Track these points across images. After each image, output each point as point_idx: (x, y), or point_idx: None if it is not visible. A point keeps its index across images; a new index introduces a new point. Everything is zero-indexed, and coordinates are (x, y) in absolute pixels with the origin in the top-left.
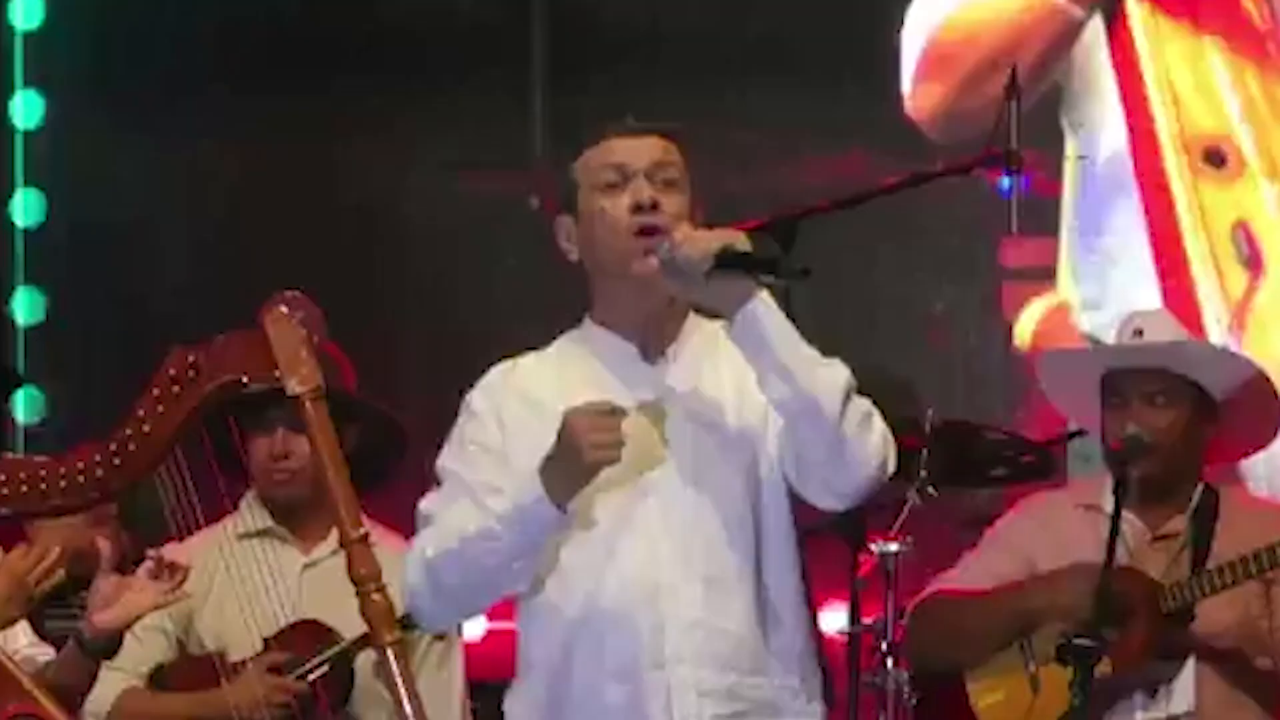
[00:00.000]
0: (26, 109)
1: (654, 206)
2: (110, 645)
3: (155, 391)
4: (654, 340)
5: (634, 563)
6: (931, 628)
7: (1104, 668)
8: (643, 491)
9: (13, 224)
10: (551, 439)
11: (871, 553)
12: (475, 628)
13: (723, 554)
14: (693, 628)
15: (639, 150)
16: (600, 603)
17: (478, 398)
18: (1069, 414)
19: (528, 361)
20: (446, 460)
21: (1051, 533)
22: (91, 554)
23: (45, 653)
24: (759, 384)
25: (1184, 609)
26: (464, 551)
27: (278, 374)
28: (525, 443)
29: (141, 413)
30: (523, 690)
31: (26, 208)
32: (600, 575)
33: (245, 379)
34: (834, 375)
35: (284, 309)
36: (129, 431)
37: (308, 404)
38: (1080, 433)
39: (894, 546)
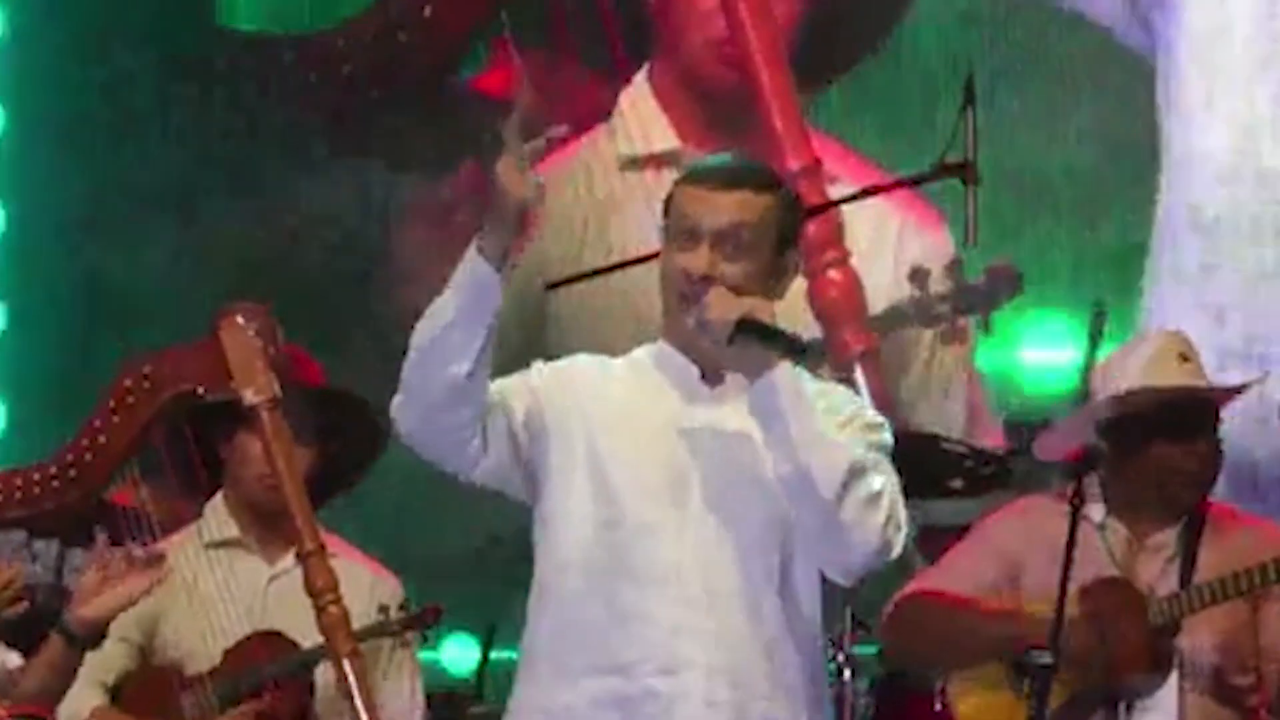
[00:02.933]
0: None
1: (705, 280)
2: (96, 637)
3: (110, 403)
4: (717, 367)
5: (657, 567)
6: (914, 632)
7: (1096, 678)
8: (674, 500)
9: None
10: (585, 411)
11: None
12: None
13: (743, 574)
14: (709, 638)
15: (717, 209)
16: (618, 600)
17: (546, 363)
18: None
19: (599, 357)
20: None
21: (1039, 537)
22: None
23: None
24: (771, 455)
25: (1172, 622)
26: (420, 338)
27: (233, 384)
28: (568, 407)
29: (97, 424)
30: (526, 679)
31: None
32: (620, 573)
33: (201, 389)
34: (838, 456)
35: (239, 319)
36: (85, 443)
37: (264, 414)
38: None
39: None
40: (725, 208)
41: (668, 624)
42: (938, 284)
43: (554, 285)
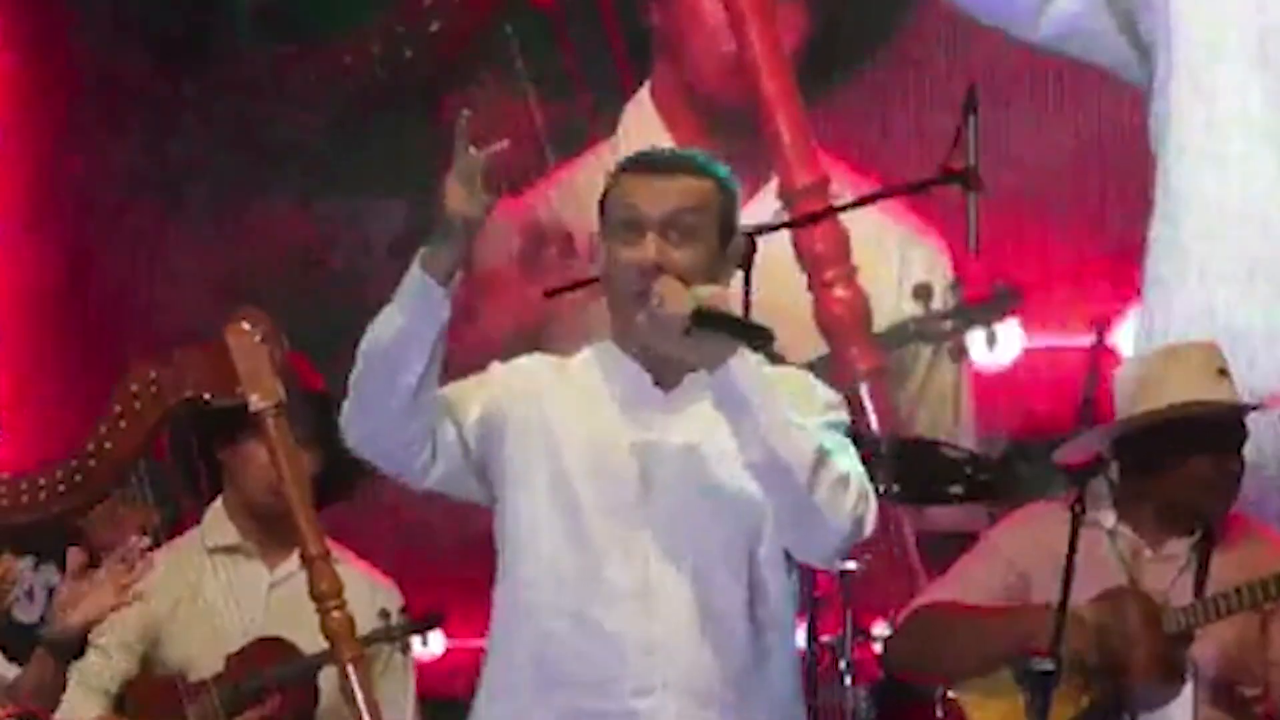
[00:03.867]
0: None
1: (655, 270)
2: (75, 646)
3: (116, 408)
4: (671, 370)
5: (626, 583)
6: (922, 642)
7: (1112, 687)
8: (639, 516)
9: None
10: (536, 424)
11: (829, 570)
12: (436, 645)
13: (717, 588)
14: (681, 656)
15: (659, 196)
16: (589, 618)
17: (495, 368)
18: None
19: (548, 359)
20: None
21: (1046, 545)
22: None
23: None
24: (737, 445)
25: (1185, 632)
26: (368, 349)
27: (240, 389)
28: (519, 416)
29: (103, 429)
30: (497, 694)
31: None
32: (588, 592)
33: (207, 395)
34: (805, 440)
35: (245, 325)
36: (90, 447)
37: (269, 420)
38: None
39: (851, 564)
40: (668, 193)
41: (641, 643)
42: (940, 301)
43: (552, 293)
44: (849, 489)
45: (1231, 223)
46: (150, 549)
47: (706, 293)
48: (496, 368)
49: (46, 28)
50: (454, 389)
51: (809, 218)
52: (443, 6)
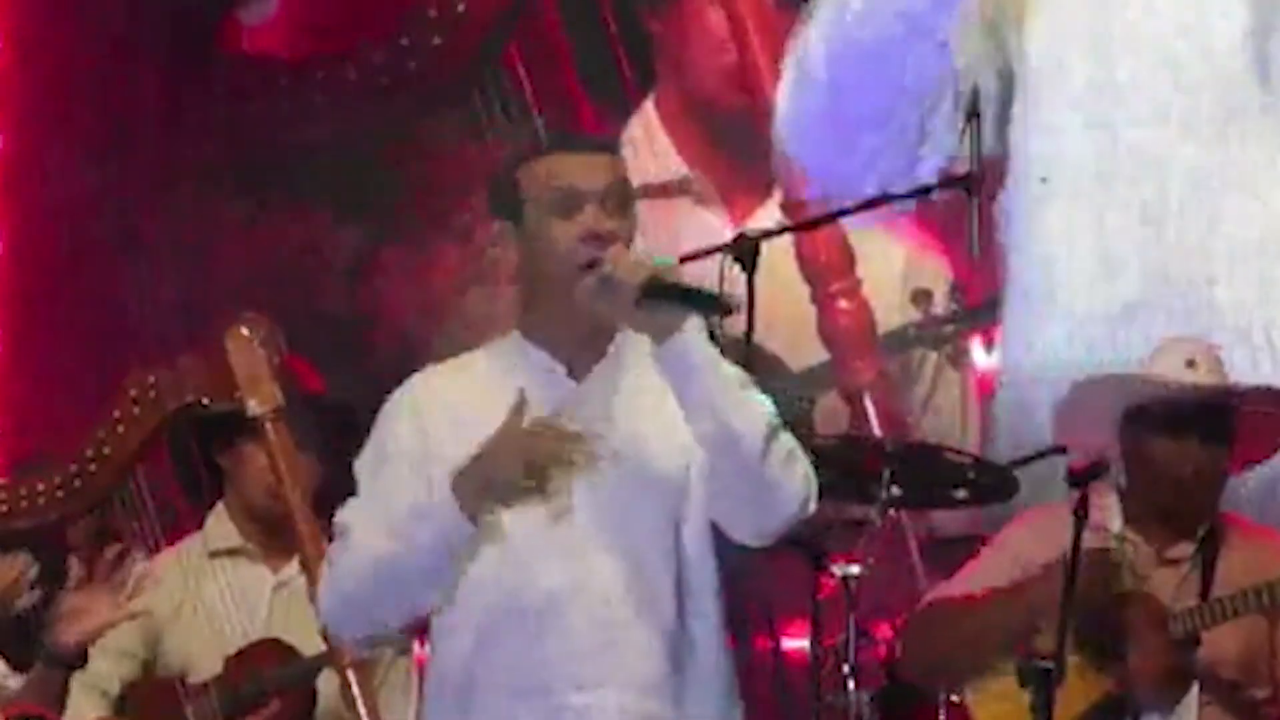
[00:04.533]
0: None
1: (599, 239)
2: (77, 659)
3: (115, 413)
4: (583, 357)
5: (555, 580)
6: (927, 637)
7: (1103, 691)
8: (562, 509)
9: None
10: (459, 451)
11: (833, 574)
12: None
13: (644, 580)
14: (615, 649)
15: (593, 171)
16: (516, 619)
17: (397, 405)
18: (1069, 438)
19: (447, 370)
20: (362, 469)
21: (1054, 547)
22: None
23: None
24: (685, 416)
25: (1191, 635)
26: (378, 576)
27: (238, 394)
28: (446, 456)
29: (101, 434)
30: (432, 709)
31: None
32: (518, 591)
33: (206, 400)
34: (758, 411)
35: (244, 330)
36: (89, 453)
37: (267, 424)
38: (1048, 453)
39: (855, 568)
40: (603, 167)
41: (579, 640)
42: (940, 306)
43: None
44: (798, 462)
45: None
46: (148, 556)
47: (660, 262)
48: (393, 408)
49: (51, 29)
50: (398, 502)
51: (811, 222)
52: (447, 19)
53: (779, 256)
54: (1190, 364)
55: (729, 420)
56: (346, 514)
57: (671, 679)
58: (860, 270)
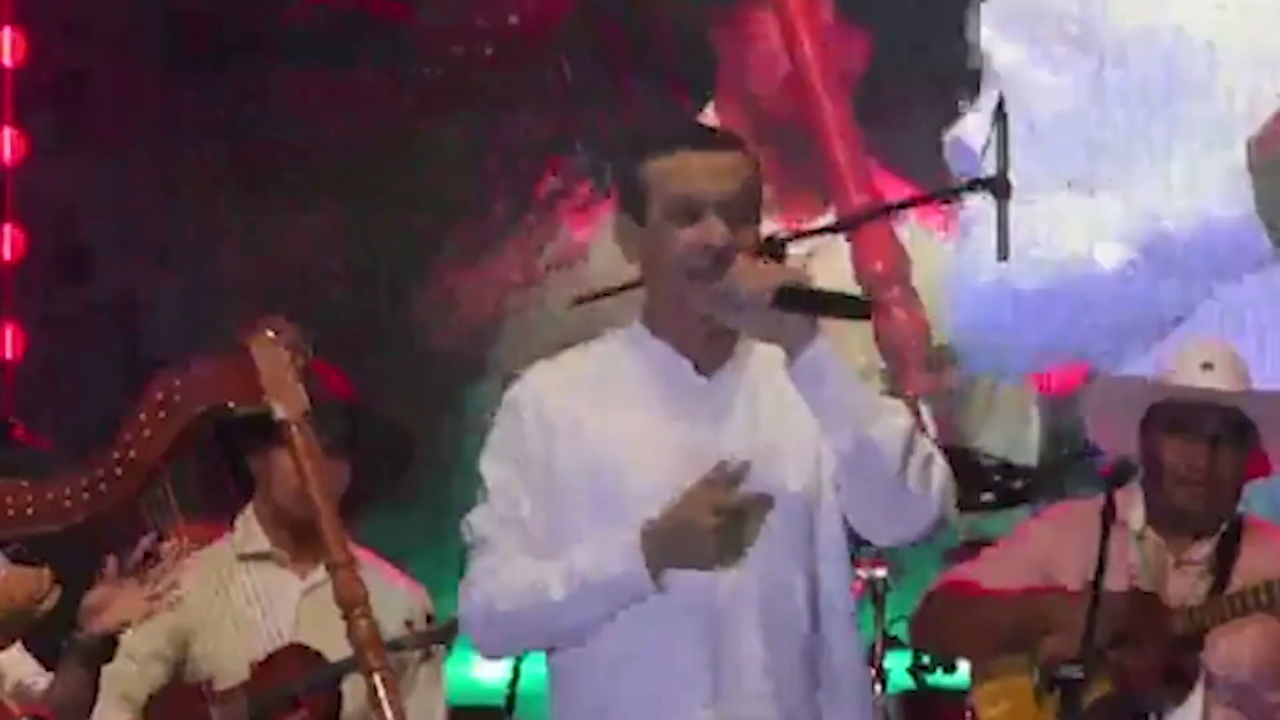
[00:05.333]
0: (9, 145)
1: (723, 251)
2: (105, 652)
3: (141, 416)
4: (711, 354)
5: (688, 594)
6: (939, 619)
7: (1108, 689)
8: None
9: None
10: (587, 454)
11: (859, 578)
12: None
13: (778, 591)
14: (750, 663)
15: (718, 174)
16: (650, 636)
17: (519, 401)
18: (1100, 436)
19: (569, 362)
20: (493, 469)
21: (1074, 544)
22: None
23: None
24: (822, 428)
25: (1194, 634)
26: (542, 613)
27: (264, 398)
28: (568, 456)
29: (128, 437)
30: (561, 703)
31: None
32: (652, 609)
33: (231, 403)
34: (896, 422)
35: (269, 333)
36: (115, 456)
37: (293, 428)
38: (1079, 455)
39: (881, 572)
40: (729, 170)
41: (707, 654)
42: None
43: (581, 301)
44: (935, 471)
45: None
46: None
47: (789, 270)
48: (517, 403)
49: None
50: (540, 520)
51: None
52: (500, 31)
53: (837, 263)
54: (1207, 366)
55: (868, 432)
56: (482, 523)
57: (807, 691)
58: (923, 279)
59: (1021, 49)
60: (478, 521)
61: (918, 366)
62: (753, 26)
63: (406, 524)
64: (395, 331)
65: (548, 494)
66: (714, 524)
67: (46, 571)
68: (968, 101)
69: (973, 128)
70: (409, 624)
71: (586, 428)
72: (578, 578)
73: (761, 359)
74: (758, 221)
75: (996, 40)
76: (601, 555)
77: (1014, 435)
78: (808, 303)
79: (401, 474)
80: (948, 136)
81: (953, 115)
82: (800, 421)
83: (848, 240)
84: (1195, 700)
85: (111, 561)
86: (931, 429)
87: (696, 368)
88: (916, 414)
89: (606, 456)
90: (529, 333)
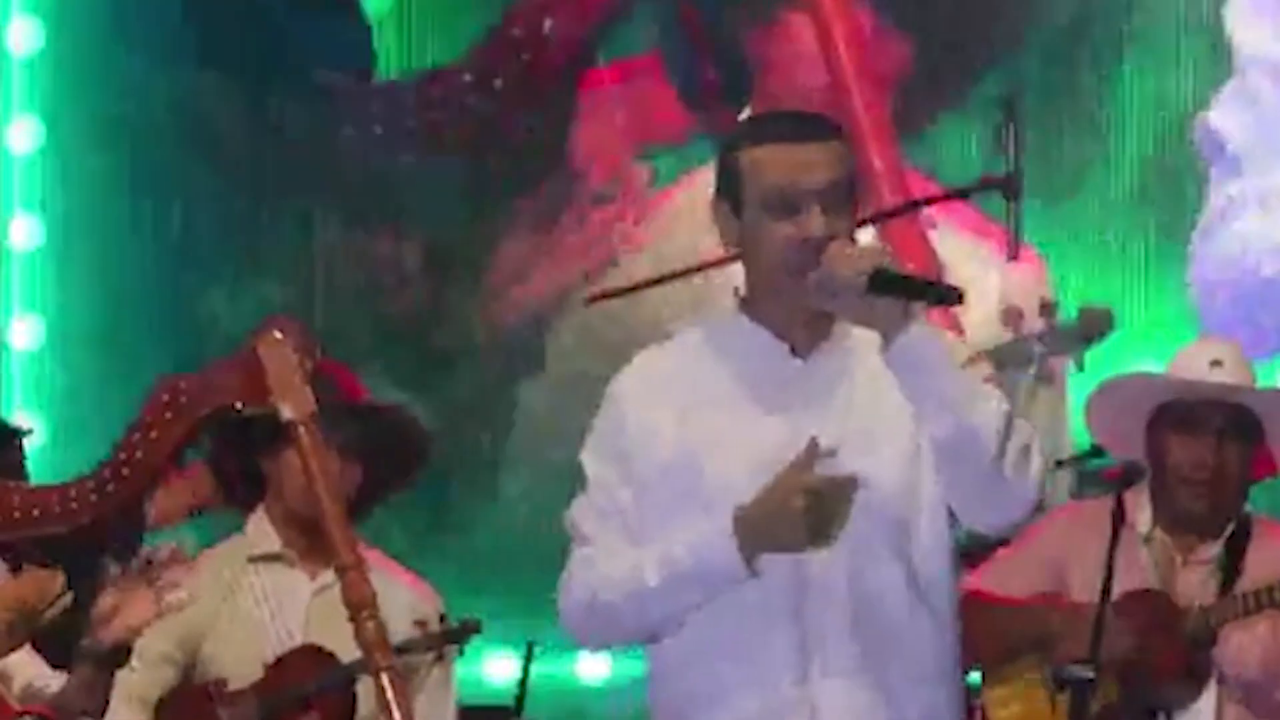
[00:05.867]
0: (23, 134)
1: (822, 241)
2: (117, 658)
3: (147, 417)
4: (807, 337)
5: (779, 579)
6: None
7: (1132, 689)
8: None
9: (8, 249)
10: (686, 446)
11: None
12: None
13: (872, 572)
14: (839, 644)
15: (815, 165)
16: (742, 619)
17: (621, 392)
18: (1106, 437)
19: (668, 351)
20: (593, 462)
21: (1084, 546)
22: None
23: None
24: (919, 414)
25: (1206, 633)
26: (641, 602)
27: (271, 399)
28: (668, 447)
29: (133, 438)
30: (658, 690)
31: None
32: (742, 591)
33: (238, 404)
34: (994, 407)
35: (277, 333)
36: (121, 456)
37: (301, 429)
38: (1087, 456)
39: None
40: (826, 160)
41: (795, 637)
42: (1031, 324)
43: (594, 299)
44: (1033, 457)
45: None
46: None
47: (881, 252)
48: (622, 395)
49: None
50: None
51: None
52: (533, 41)
53: None
54: (1215, 364)
55: (967, 418)
56: (580, 516)
57: (897, 678)
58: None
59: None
60: (577, 514)
61: None
62: (791, 30)
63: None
64: (453, 320)
65: (646, 486)
66: (803, 505)
67: (58, 573)
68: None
69: (1223, 110)
70: (421, 624)
71: (686, 419)
72: (673, 564)
73: (860, 342)
74: (855, 208)
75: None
76: (697, 541)
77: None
78: (900, 288)
79: (412, 473)
80: (1196, 119)
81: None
82: (896, 406)
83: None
84: (1208, 699)
85: (115, 568)
86: None
87: (793, 350)
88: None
89: (704, 447)
90: (587, 326)
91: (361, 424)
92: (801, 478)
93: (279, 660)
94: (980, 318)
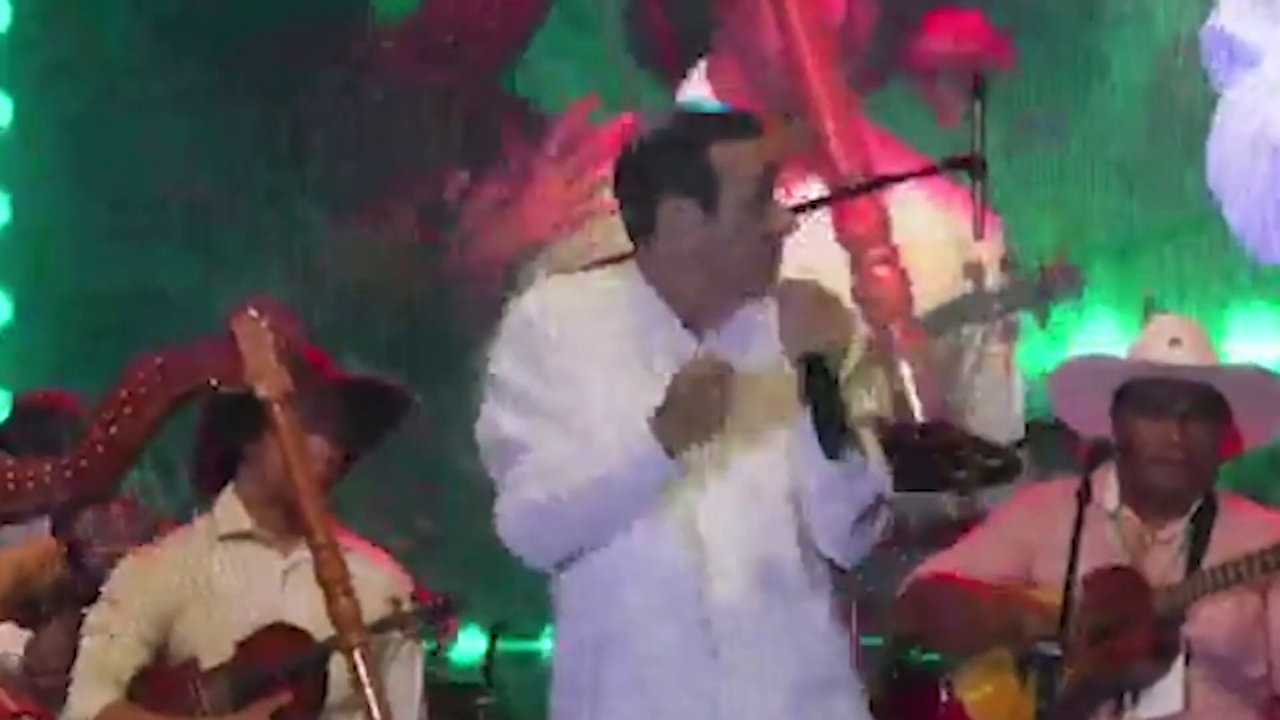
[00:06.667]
0: None
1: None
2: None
3: (122, 394)
4: (703, 316)
5: (674, 520)
6: (924, 614)
7: (1101, 666)
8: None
9: None
10: (576, 390)
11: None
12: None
13: (770, 528)
14: (740, 571)
15: (776, 160)
16: (647, 553)
17: (539, 312)
18: (1072, 418)
19: (572, 284)
20: (516, 375)
21: (1051, 526)
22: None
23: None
24: (806, 451)
25: (1176, 610)
26: (574, 505)
27: (248, 377)
28: (563, 385)
29: (109, 415)
30: (565, 633)
31: None
32: (647, 523)
33: (214, 383)
34: (870, 486)
35: (253, 313)
36: (96, 434)
37: (275, 408)
38: (1046, 430)
39: None
40: (779, 158)
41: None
42: (993, 280)
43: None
44: (883, 515)
45: None
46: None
47: (844, 332)
48: (535, 315)
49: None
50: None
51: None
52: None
53: (819, 232)
54: (1174, 342)
55: (848, 479)
56: (519, 430)
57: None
58: (907, 241)
59: None
60: (507, 428)
61: (901, 326)
62: None
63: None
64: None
65: (582, 407)
66: (719, 392)
67: (58, 541)
68: None
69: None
70: (395, 602)
71: (585, 370)
72: (604, 465)
73: (758, 327)
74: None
75: None
76: (621, 443)
77: (999, 396)
78: (818, 393)
79: (385, 432)
80: (1203, 29)
81: None
82: (784, 396)
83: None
84: (1176, 675)
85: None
86: (911, 391)
87: (685, 324)
88: (895, 373)
89: (598, 405)
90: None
91: (345, 407)
92: (705, 370)
93: (250, 638)
94: (935, 266)
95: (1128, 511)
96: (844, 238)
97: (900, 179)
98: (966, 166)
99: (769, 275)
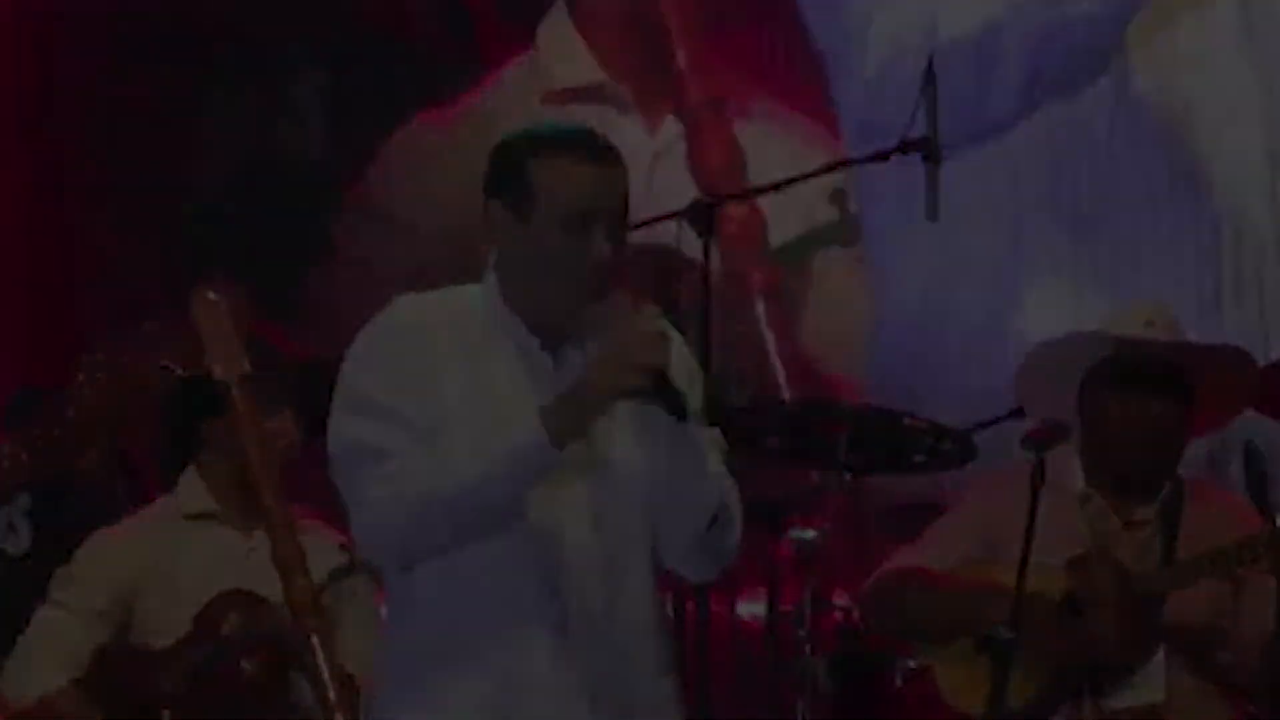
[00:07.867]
0: None
1: (610, 270)
2: None
3: (80, 377)
4: (556, 338)
5: (531, 537)
6: (889, 607)
7: (1083, 653)
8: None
9: None
10: (436, 410)
11: (790, 539)
12: None
13: (623, 540)
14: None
15: (608, 189)
16: (502, 552)
17: (393, 327)
18: (1031, 401)
19: (439, 301)
20: (372, 386)
21: (1011, 510)
22: None
23: None
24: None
25: (1157, 598)
26: (447, 507)
27: (205, 359)
28: (422, 400)
29: (66, 399)
30: (401, 632)
31: None
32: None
33: (173, 366)
34: (711, 497)
35: (211, 295)
36: (53, 416)
37: (233, 389)
38: (1008, 417)
39: (811, 533)
40: (615, 183)
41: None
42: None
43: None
44: (734, 529)
45: None
46: None
47: (668, 356)
48: (395, 329)
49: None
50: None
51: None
52: None
53: (675, 171)
54: (1148, 324)
55: (683, 499)
56: (374, 436)
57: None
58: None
59: None
60: (367, 435)
61: (754, 262)
62: None
63: None
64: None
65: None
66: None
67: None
68: None
69: None
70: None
71: (447, 389)
72: (484, 458)
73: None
74: (626, 238)
75: None
76: (517, 443)
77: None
78: (661, 397)
79: None
80: None
81: None
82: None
83: (685, 139)
84: (1158, 663)
85: None
86: (764, 327)
87: (542, 344)
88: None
89: (456, 424)
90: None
91: (299, 381)
92: (655, 325)
93: (205, 608)
94: (796, 205)
95: (1097, 495)
96: (698, 177)
97: (852, 163)
98: (921, 150)
99: (584, 296)
